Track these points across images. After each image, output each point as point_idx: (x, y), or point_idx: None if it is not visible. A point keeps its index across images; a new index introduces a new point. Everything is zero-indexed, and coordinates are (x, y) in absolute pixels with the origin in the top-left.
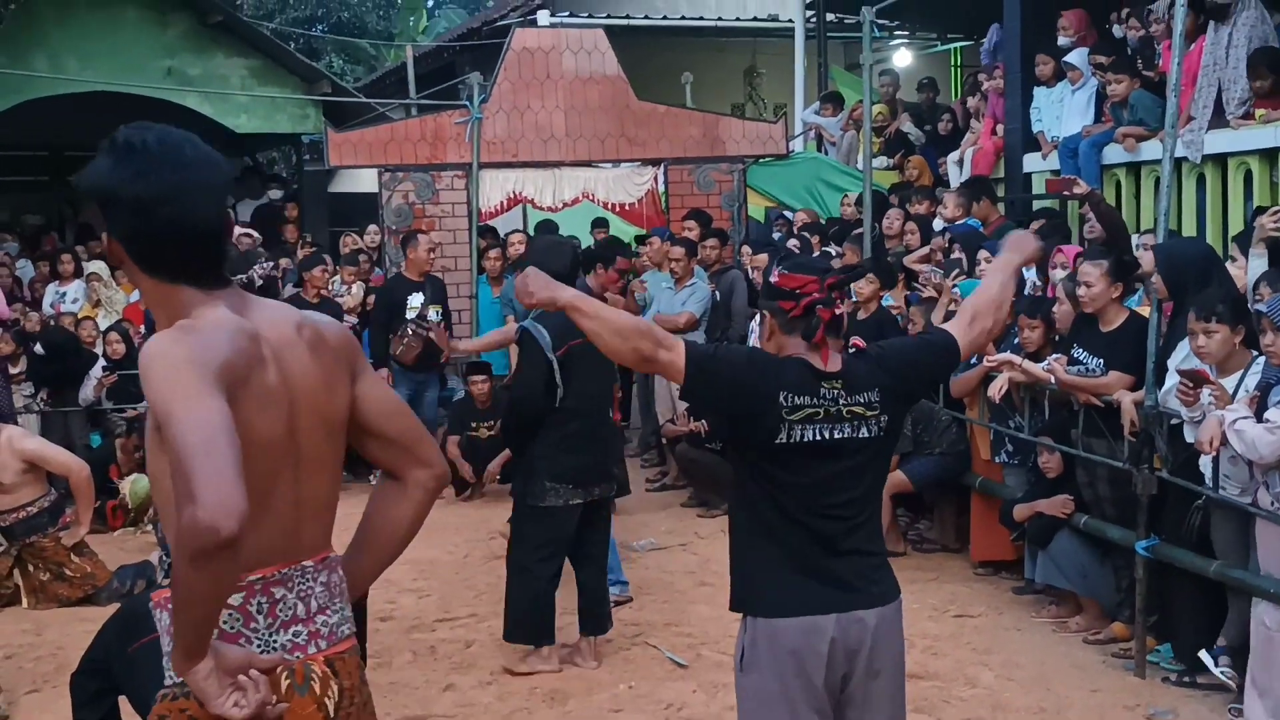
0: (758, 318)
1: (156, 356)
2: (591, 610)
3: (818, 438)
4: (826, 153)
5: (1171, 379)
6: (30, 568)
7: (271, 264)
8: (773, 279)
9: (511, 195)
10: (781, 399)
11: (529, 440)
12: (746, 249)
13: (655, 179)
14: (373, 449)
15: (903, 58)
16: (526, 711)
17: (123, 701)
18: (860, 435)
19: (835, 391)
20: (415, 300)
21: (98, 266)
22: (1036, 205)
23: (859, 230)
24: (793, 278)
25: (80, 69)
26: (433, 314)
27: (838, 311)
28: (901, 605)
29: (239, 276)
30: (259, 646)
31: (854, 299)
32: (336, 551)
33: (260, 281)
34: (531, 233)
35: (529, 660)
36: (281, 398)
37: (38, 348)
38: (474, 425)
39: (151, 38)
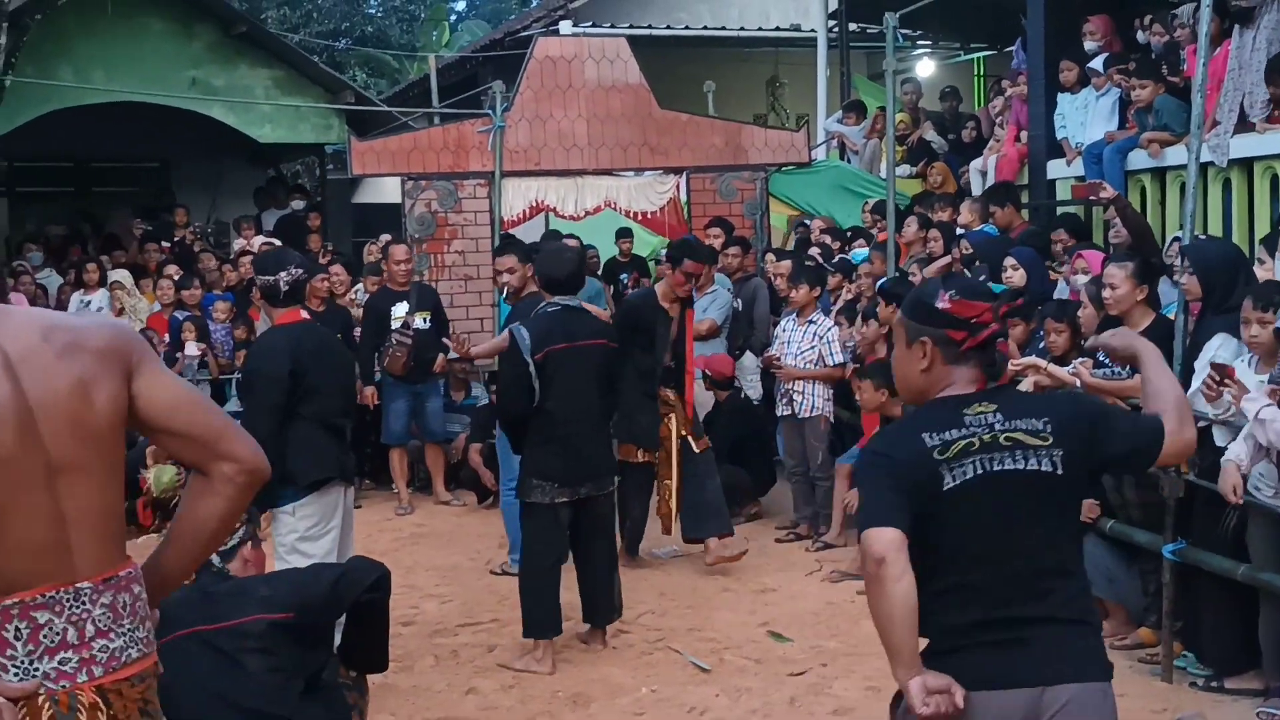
0: (909, 342)
1: None
2: (596, 602)
3: (980, 470)
4: (849, 161)
5: (1198, 380)
6: None
7: (301, 270)
8: (941, 305)
9: (534, 204)
10: (926, 441)
11: (521, 440)
12: (770, 256)
13: (677, 187)
14: (172, 446)
15: (925, 67)
16: (549, 715)
17: None
18: (1029, 467)
19: (985, 416)
20: (399, 309)
21: (121, 275)
22: (1060, 211)
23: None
24: (968, 305)
25: (106, 79)
26: (419, 321)
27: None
28: (1111, 689)
29: (266, 278)
30: (16, 674)
31: None
32: (136, 563)
33: (287, 286)
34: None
35: (524, 659)
36: (9, 410)
37: None
38: (495, 432)
39: (176, 48)
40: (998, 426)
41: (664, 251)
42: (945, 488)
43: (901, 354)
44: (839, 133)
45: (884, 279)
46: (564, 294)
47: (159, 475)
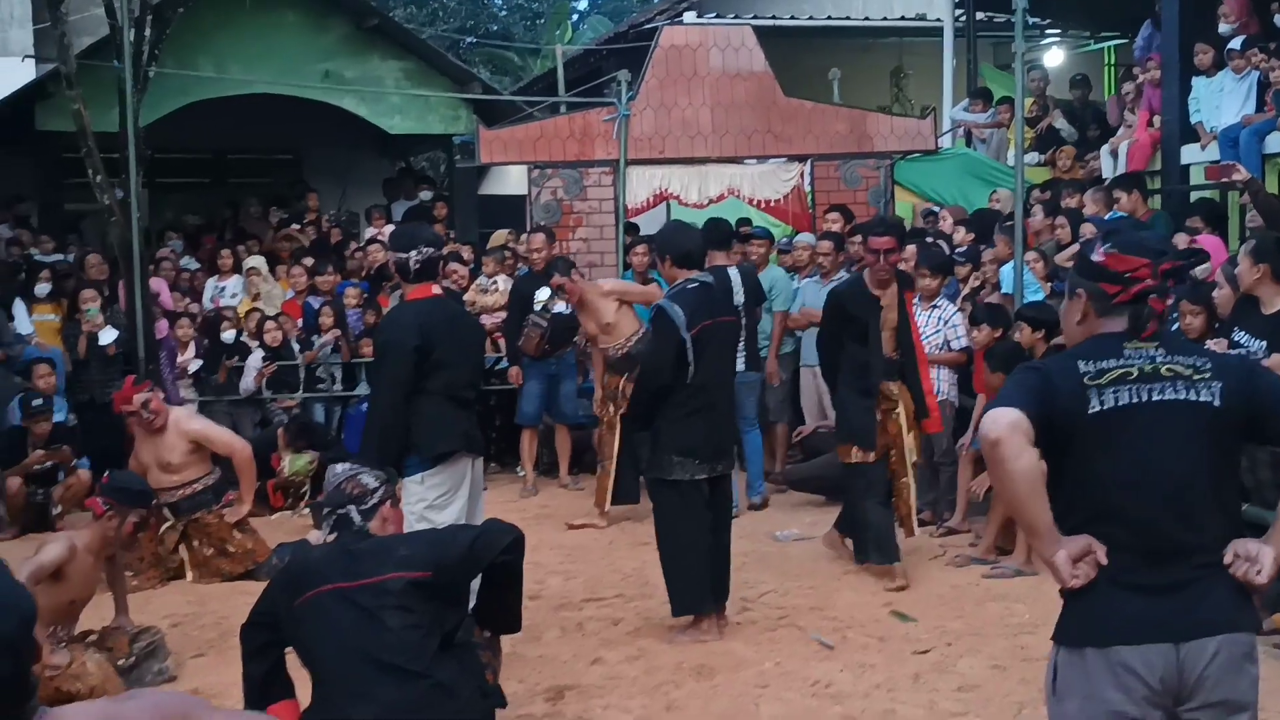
0: (1070, 293)
1: None
2: (718, 577)
3: (1134, 399)
4: (976, 149)
5: None
6: (195, 543)
7: (432, 248)
8: (1097, 257)
9: (657, 191)
10: (1080, 366)
11: (655, 415)
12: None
13: (801, 175)
14: None
15: (1054, 56)
16: (673, 684)
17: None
18: (1188, 398)
19: (1146, 349)
20: (541, 294)
21: (256, 262)
22: (1194, 196)
23: (1009, 221)
24: (1123, 259)
25: (243, 72)
26: (560, 305)
27: (1168, 302)
28: (1255, 643)
29: (399, 255)
30: None
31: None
32: None
33: (418, 264)
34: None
35: (689, 631)
36: None
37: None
38: None
39: (310, 41)
40: (1159, 359)
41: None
42: (1091, 411)
43: (1065, 306)
44: (965, 121)
45: (1026, 304)
46: (696, 267)
47: (294, 461)
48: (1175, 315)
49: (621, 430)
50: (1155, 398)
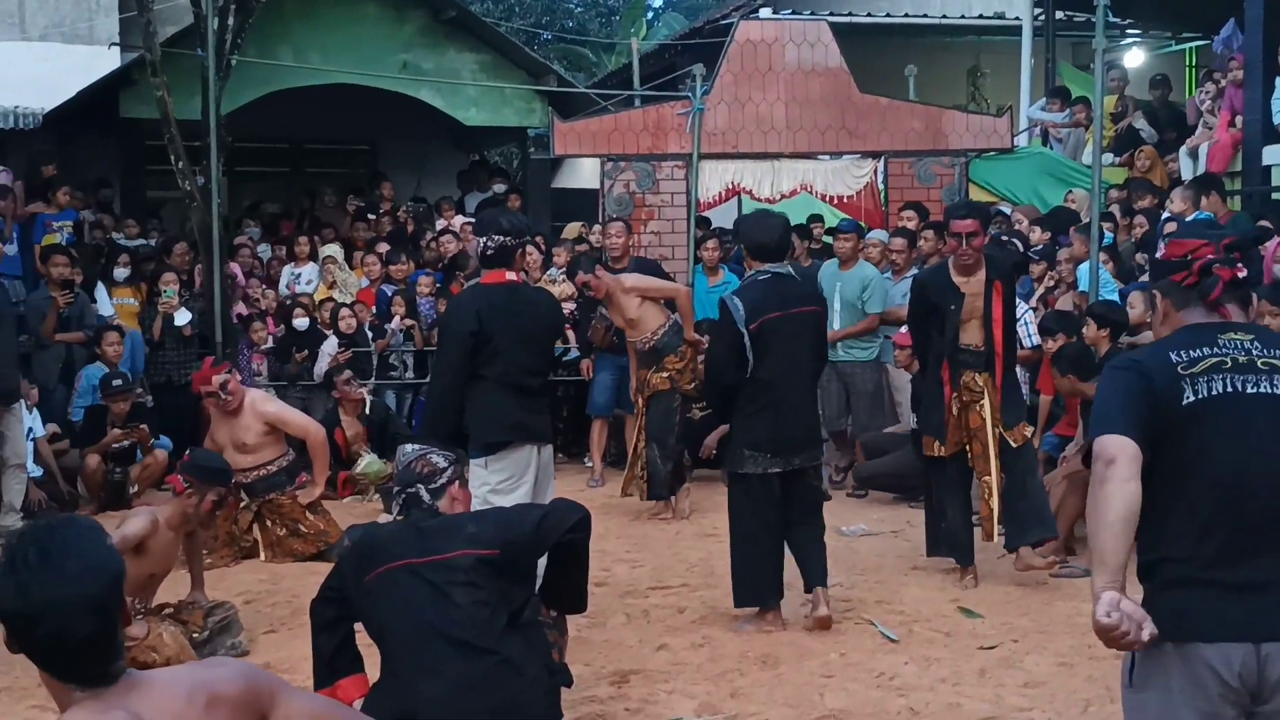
0: (1150, 304)
1: None
2: (810, 566)
3: (1229, 389)
4: (1052, 149)
5: None
6: (268, 523)
7: (506, 235)
8: (1159, 254)
9: (730, 186)
10: (1172, 357)
11: (728, 409)
12: None
13: (875, 172)
14: None
15: (1135, 57)
16: (738, 673)
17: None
18: None
19: (1241, 341)
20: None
21: (333, 250)
22: (1276, 196)
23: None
24: (1181, 244)
25: (322, 62)
26: None
27: (1240, 274)
28: None
29: (477, 240)
30: None
31: None
32: None
33: (490, 250)
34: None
35: (753, 622)
36: None
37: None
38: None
39: (388, 32)
40: (1254, 351)
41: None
42: (1185, 401)
43: (1152, 319)
44: (1042, 120)
45: (1097, 301)
46: (772, 260)
47: (369, 466)
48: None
49: (644, 422)
50: (1250, 390)
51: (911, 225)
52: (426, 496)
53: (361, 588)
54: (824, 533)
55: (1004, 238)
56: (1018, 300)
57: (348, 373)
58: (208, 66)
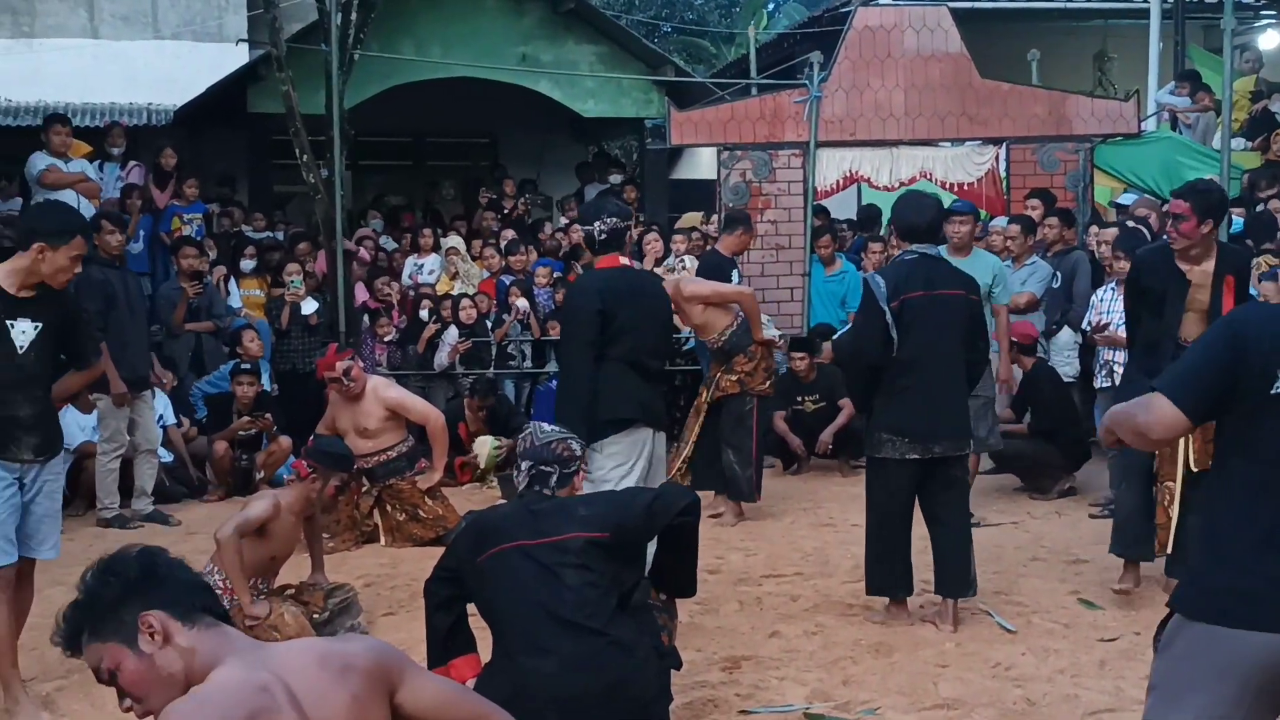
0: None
1: None
2: (945, 571)
3: None
4: (1181, 134)
5: None
6: (388, 508)
7: (617, 219)
8: None
9: (847, 174)
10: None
11: (870, 395)
12: (1094, 229)
13: (996, 158)
14: None
15: (1270, 39)
16: (851, 660)
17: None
18: None
19: None
20: (734, 277)
21: (455, 241)
22: None
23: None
24: None
25: (443, 55)
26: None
27: None
28: None
29: (586, 227)
30: None
31: None
32: None
33: (603, 235)
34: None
35: (880, 612)
36: None
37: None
38: (799, 399)
39: (508, 25)
40: None
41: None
42: (1275, 391)
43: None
44: (1171, 104)
45: None
46: (921, 241)
47: (486, 451)
48: None
49: (706, 417)
50: None
51: (1037, 214)
52: (554, 479)
53: (475, 568)
54: (969, 533)
55: (1129, 224)
56: None
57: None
58: (331, 61)
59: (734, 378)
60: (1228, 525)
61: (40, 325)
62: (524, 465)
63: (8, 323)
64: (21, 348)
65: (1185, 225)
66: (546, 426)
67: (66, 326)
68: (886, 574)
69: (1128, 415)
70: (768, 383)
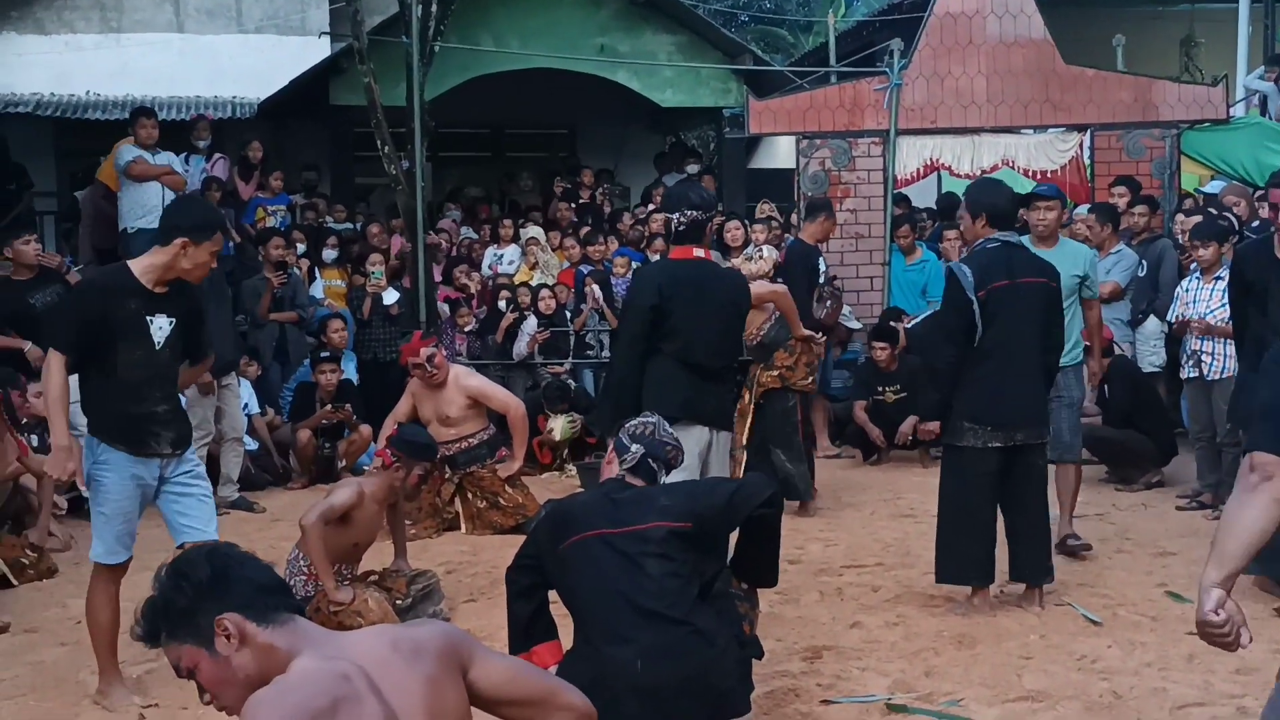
0: None
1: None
2: (1026, 558)
3: None
4: (1271, 119)
5: None
6: (469, 495)
7: (698, 211)
8: None
9: (928, 162)
10: None
11: (951, 385)
12: (1180, 217)
13: (1080, 145)
14: (513, 713)
15: None
16: (933, 651)
17: None
18: None
19: None
20: (821, 264)
21: (535, 231)
22: None
23: None
24: None
25: (521, 47)
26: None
27: None
28: None
29: (666, 215)
30: None
31: None
32: None
33: (681, 226)
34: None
35: (960, 603)
36: None
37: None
38: (880, 389)
39: (586, 16)
40: None
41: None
42: None
43: None
44: (1260, 89)
45: None
46: (1003, 227)
47: (562, 424)
48: None
49: (754, 420)
50: None
51: (1123, 202)
52: (659, 475)
53: (556, 556)
54: (1047, 522)
55: (1213, 212)
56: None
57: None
58: (412, 54)
59: (774, 373)
60: None
61: (174, 320)
62: (634, 448)
63: (148, 319)
64: (159, 344)
65: None
66: (668, 425)
67: (193, 321)
68: (960, 561)
69: (1235, 499)
70: (810, 378)
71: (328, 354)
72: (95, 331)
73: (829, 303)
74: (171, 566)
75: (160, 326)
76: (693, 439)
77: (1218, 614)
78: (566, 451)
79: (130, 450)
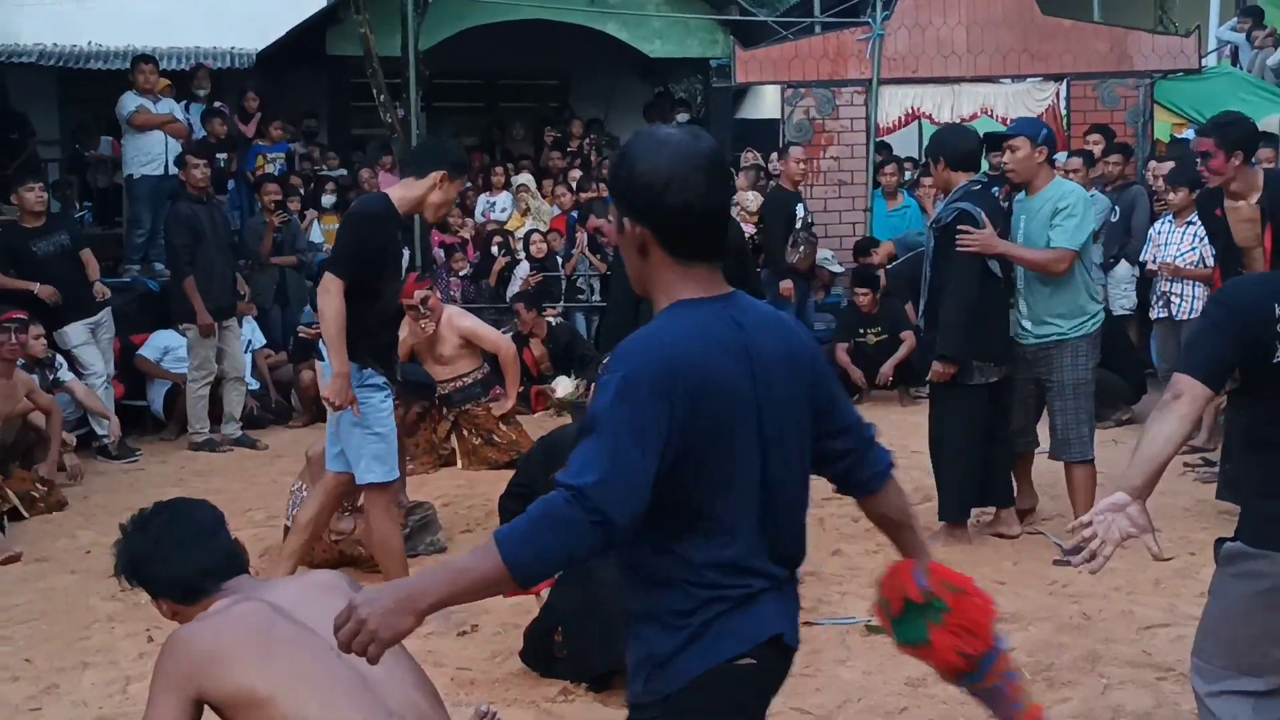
0: None
1: None
2: (992, 483)
3: None
4: (1243, 70)
5: None
6: (465, 433)
7: None
8: None
9: (909, 111)
10: (1276, 309)
11: (970, 328)
12: (1153, 163)
13: (1057, 95)
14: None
15: None
16: None
17: None
18: None
19: None
20: (800, 210)
21: (525, 179)
22: None
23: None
24: None
25: None
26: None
27: None
28: None
29: None
30: None
31: None
32: None
33: None
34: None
35: (944, 536)
36: None
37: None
38: (861, 331)
39: None
40: None
41: None
42: (1275, 360)
43: None
44: (1232, 40)
45: None
46: (972, 170)
47: (564, 386)
48: None
49: None
50: None
51: (1098, 150)
52: None
53: (547, 484)
54: (1011, 448)
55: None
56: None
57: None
58: (407, 4)
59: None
60: (1267, 473)
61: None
62: None
63: (403, 250)
64: (404, 273)
65: (1214, 162)
66: None
67: None
68: (964, 499)
69: (1153, 417)
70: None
71: None
72: (373, 260)
73: (802, 248)
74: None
75: (405, 257)
76: None
77: (1094, 520)
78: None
79: (385, 373)
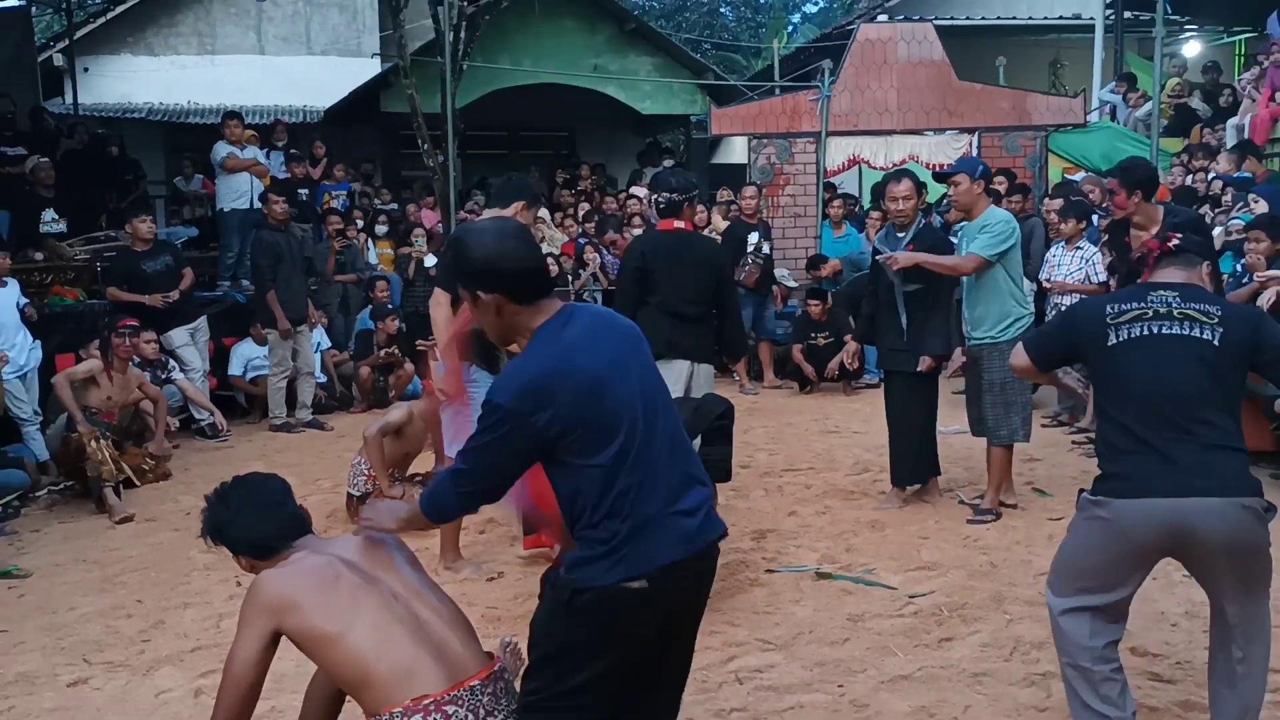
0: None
1: None
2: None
3: (1146, 332)
4: (1120, 124)
5: None
6: None
7: (675, 193)
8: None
9: (851, 157)
10: (1108, 309)
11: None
12: (1047, 200)
13: (970, 144)
14: None
15: (1192, 49)
16: (852, 533)
17: None
18: (1190, 334)
19: (1165, 295)
20: (752, 238)
21: (542, 213)
22: None
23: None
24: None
25: (533, 65)
26: (765, 248)
27: (1172, 245)
28: (1255, 504)
29: (653, 195)
30: None
31: None
32: None
33: (662, 203)
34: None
35: (893, 499)
36: None
37: None
38: (813, 335)
39: (583, 41)
40: (1174, 304)
41: None
42: (1109, 343)
43: None
44: (1111, 101)
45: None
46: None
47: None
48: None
49: None
50: (1164, 331)
51: (1002, 189)
52: None
53: None
54: (934, 427)
55: (1072, 197)
56: (1086, 244)
57: None
58: (446, 71)
59: None
60: (1121, 439)
61: None
62: None
63: None
64: None
65: (1118, 199)
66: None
67: None
68: (912, 466)
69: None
70: None
71: (392, 307)
72: None
73: (747, 268)
74: (203, 524)
75: None
76: (675, 370)
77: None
78: None
79: (488, 369)
